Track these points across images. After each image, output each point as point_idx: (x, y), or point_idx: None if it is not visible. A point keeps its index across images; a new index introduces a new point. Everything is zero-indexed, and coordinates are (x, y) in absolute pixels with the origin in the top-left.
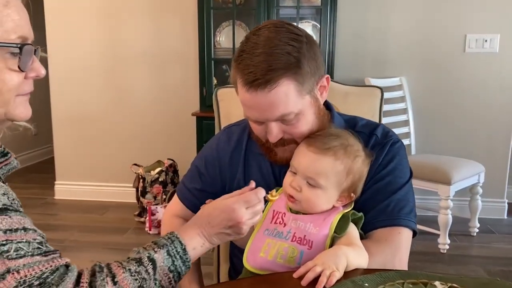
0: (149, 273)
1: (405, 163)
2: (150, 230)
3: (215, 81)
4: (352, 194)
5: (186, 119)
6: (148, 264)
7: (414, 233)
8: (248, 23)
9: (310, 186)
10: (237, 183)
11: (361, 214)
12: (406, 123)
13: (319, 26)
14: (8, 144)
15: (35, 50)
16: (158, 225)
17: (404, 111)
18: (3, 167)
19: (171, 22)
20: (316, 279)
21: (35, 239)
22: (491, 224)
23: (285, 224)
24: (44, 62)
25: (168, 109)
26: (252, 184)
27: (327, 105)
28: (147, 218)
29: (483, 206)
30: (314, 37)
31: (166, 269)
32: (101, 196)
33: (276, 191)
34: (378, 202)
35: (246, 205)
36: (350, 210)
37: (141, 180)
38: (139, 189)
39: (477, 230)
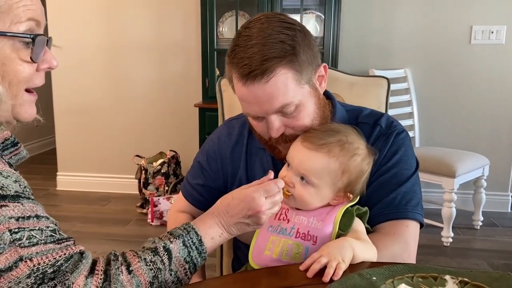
0: (164, 264)
1: (411, 154)
2: (152, 221)
3: (217, 72)
4: (349, 194)
5: (189, 110)
6: (163, 254)
7: (421, 225)
8: (251, 13)
9: (303, 183)
10: (239, 178)
11: (365, 208)
12: (410, 115)
13: (323, 17)
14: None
15: (47, 41)
16: (160, 216)
17: (409, 103)
18: (12, 156)
19: (173, 12)
20: (321, 271)
21: (48, 227)
22: (495, 218)
23: (288, 220)
24: None
25: (170, 100)
26: (271, 174)
27: (328, 95)
28: (149, 209)
29: (486, 199)
30: (318, 28)
31: (182, 259)
32: (103, 187)
33: None
34: (384, 195)
35: (266, 195)
36: (355, 205)
37: (143, 172)
38: (141, 181)
39: (481, 223)
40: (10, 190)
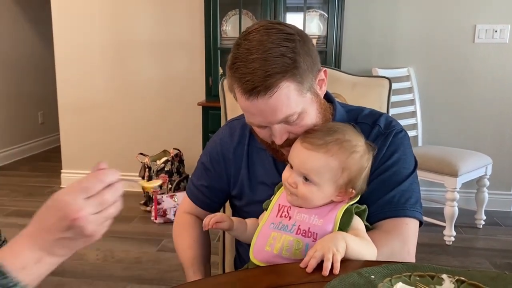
0: None
1: (410, 153)
2: (155, 219)
3: (221, 71)
4: (351, 190)
5: (192, 108)
6: None
7: (420, 223)
8: (255, 12)
9: (305, 182)
10: (241, 179)
11: (364, 206)
12: (413, 114)
13: (327, 15)
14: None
15: None
16: (164, 214)
17: (412, 102)
18: None
19: (177, 10)
20: (321, 266)
21: None
22: (497, 217)
23: (290, 217)
24: (51, 50)
25: (174, 98)
26: (101, 164)
27: (328, 97)
28: (153, 207)
29: (489, 198)
30: (322, 27)
31: None
32: None
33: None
34: (383, 193)
35: (85, 195)
36: (354, 203)
37: (147, 170)
38: (145, 178)
39: (483, 223)
40: None
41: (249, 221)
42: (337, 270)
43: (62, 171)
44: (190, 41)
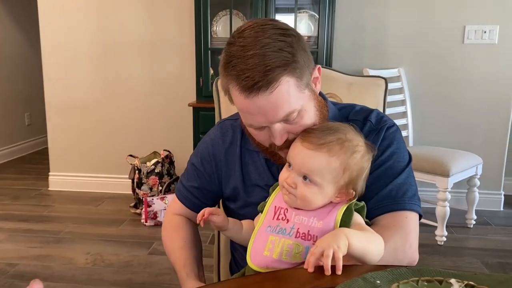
0: None
1: (403, 147)
2: (146, 221)
3: (211, 71)
4: (351, 191)
5: (183, 109)
6: None
7: (420, 216)
8: (245, 12)
9: (305, 182)
10: (234, 182)
11: (363, 203)
12: (404, 114)
13: (317, 16)
14: (1, 135)
15: None
16: (154, 216)
17: (403, 102)
18: None
19: (167, 10)
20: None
21: None
22: (488, 216)
23: (288, 220)
24: (37, 51)
25: (164, 99)
26: (34, 285)
27: (320, 95)
28: (143, 209)
29: (479, 198)
30: (312, 28)
31: None
32: (96, 187)
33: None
34: (380, 188)
35: None
36: (353, 201)
37: (136, 171)
38: (135, 181)
39: (474, 222)
40: None
41: (245, 222)
42: (339, 269)
43: (49, 173)
44: (180, 42)
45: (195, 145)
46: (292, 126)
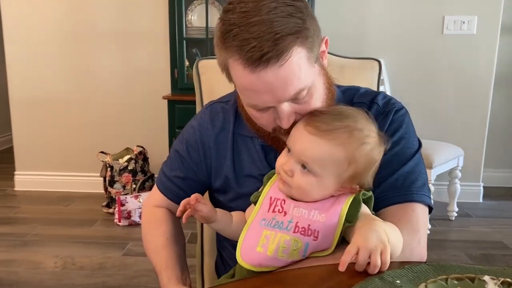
0: None
1: (412, 131)
2: (119, 221)
3: (187, 63)
4: (356, 186)
5: (157, 103)
6: None
7: (430, 209)
8: (222, 1)
9: (303, 171)
10: (226, 171)
11: (370, 193)
12: None
13: None
14: None
15: None
16: (128, 216)
17: None
18: None
19: None
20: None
21: None
22: (468, 208)
23: (285, 213)
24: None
25: (136, 92)
26: None
27: None
28: (116, 209)
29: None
30: None
31: None
32: (66, 186)
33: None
34: (386, 176)
35: None
36: (361, 191)
37: (108, 169)
38: (107, 179)
39: (456, 214)
40: None
41: (235, 214)
42: (386, 264)
43: (15, 173)
44: (153, 31)
45: (170, 140)
46: (300, 106)
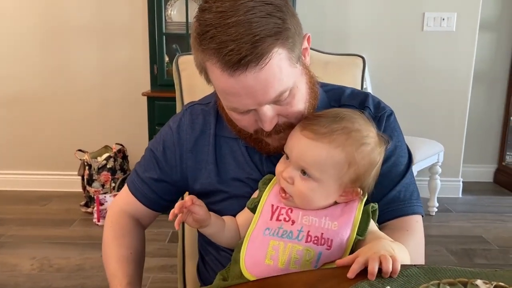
0: None
1: (403, 137)
2: (98, 221)
3: (167, 59)
4: (358, 189)
5: (136, 99)
6: None
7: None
8: None
9: (303, 177)
10: (208, 175)
11: (377, 206)
12: None
13: None
14: None
15: None
16: None
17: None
18: None
19: None
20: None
21: None
22: (448, 203)
23: (293, 222)
24: None
25: (115, 89)
26: None
27: None
28: (95, 208)
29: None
30: None
31: None
32: (42, 185)
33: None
34: (388, 188)
35: None
36: (370, 204)
37: (86, 167)
38: (85, 177)
39: (436, 210)
40: None
41: (226, 219)
42: (396, 270)
43: None
44: (132, 27)
45: (150, 138)
46: (282, 107)
